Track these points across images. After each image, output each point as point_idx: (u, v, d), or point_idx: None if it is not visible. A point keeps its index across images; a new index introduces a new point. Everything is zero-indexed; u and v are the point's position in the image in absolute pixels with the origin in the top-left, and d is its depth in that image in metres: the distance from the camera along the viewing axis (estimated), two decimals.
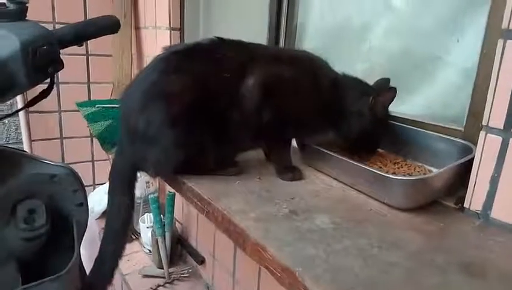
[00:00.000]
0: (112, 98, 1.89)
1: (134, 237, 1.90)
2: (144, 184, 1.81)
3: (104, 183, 2.09)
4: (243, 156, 0.86)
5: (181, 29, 1.70)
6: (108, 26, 0.93)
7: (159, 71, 0.76)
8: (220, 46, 0.81)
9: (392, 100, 0.80)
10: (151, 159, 0.75)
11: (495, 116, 0.63)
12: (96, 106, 1.28)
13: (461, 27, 0.81)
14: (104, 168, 2.11)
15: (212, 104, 0.75)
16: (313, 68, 0.84)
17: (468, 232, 0.63)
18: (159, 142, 0.73)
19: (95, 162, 2.10)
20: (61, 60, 0.83)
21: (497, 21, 0.68)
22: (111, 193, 0.81)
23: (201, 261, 1.59)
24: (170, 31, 1.68)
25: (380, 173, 0.68)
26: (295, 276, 0.50)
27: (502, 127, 0.63)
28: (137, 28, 1.92)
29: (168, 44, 1.70)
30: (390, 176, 0.68)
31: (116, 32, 0.95)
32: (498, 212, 0.64)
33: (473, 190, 0.67)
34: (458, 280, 0.50)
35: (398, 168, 0.80)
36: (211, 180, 0.77)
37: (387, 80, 0.83)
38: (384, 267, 0.52)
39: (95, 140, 2.08)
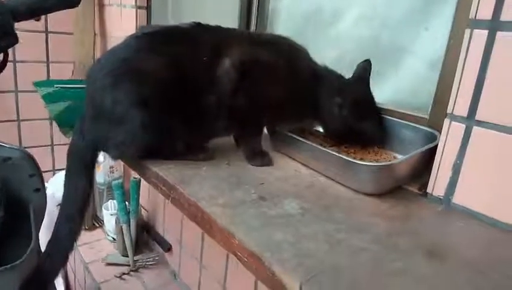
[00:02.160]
0: (72, 78, 1.79)
1: (97, 225, 1.84)
2: (108, 169, 1.75)
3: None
4: (212, 141, 0.84)
5: (148, 8, 1.63)
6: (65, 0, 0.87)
7: (132, 49, 0.73)
8: (198, 31, 0.78)
9: (362, 98, 0.81)
10: (114, 140, 0.72)
11: (459, 105, 0.65)
12: (55, 85, 1.20)
13: (430, 15, 0.82)
14: (64, 153, 2.01)
15: (186, 87, 0.72)
16: (292, 55, 0.83)
17: (431, 217, 0.65)
18: (125, 123, 0.70)
19: (55, 146, 2.00)
20: (15, 34, 0.77)
21: (465, 10, 0.68)
22: (68, 174, 0.77)
23: (168, 248, 1.57)
24: (136, 10, 1.61)
25: (348, 159, 0.69)
26: (262, 261, 0.49)
27: (465, 115, 0.64)
28: (100, 5, 1.82)
29: (134, 23, 1.63)
30: (358, 162, 0.69)
31: (76, 6, 0.90)
32: (460, 198, 0.66)
33: (436, 176, 0.69)
34: (420, 264, 0.51)
35: (366, 154, 0.81)
36: (177, 165, 0.74)
37: (368, 62, 0.83)
38: (350, 251, 0.52)
39: (55, 123, 1.98)
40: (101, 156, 1.74)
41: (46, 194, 0.93)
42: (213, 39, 0.78)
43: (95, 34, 1.82)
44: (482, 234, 0.60)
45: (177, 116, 0.73)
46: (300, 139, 0.79)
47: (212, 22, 0.82)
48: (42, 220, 0.97)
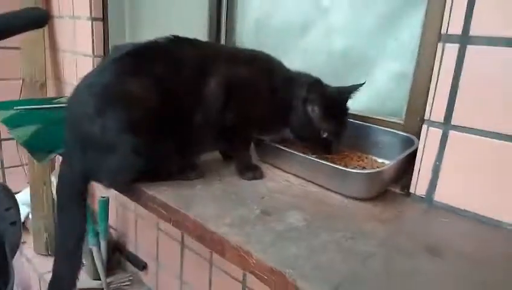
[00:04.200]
0: (25, 98, 1.68)
1: None
2: None
3: (18, 192, 1.86)
4: (200, 157, 0.84)
5: (104, 20, 1.57)
6: (35, 19, 0.83)
7: (114, 73, 0.70)
8: (178, 45, 0.78)
9: (331, 99, 0.81)
10: (106, 168, 0.69)
11: (436, 111, 0.71)
12: (15, 107, 1.12)
13: (399, 27, 0.89)
14: (16, 175, 1.88)
15: (175, 107, 0.72)
16: (270, 69, 0.85)
17: (418, 216, 0.70)
18: (116, 150, 0.67)
19: (6, 169, 1.85)
20: None
21: (433, 24, 0.75)
22: (60, 208, 0.73)
23: (143, 266, 1.52)
24: (92, 22, 1.54)
25: (340, 167, 0.73)
26: (285, 277, 0.51)
27: (442, 121, 0.71)
28: (49, 17, 1.72)
29: (90, 36, 1.56)
30: (350, 170, 0.73)
31: (45, 26, 0.86)
32: (441, 196, 0.72)
33: (418, 177, 0.75)
34: (426, 262, 0.55)
35: (349, 160, 0.86)
36: (172, 186, 0.74)
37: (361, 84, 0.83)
38: (362, 258, 0.55)
39: (4, 144, 1.83)
40: (53, 178, 1.64)
41: (21, 226, 0.87)
42: (196, 56, 0.78)
43: (45, 48, 1.71)
44: (465, 227, 0.66)
45: (168, 136, 0.72)
46: (289, 150, 0.82)
47: (178, 34, 0.81)
48: (15, 253, 0.91)
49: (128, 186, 0.74)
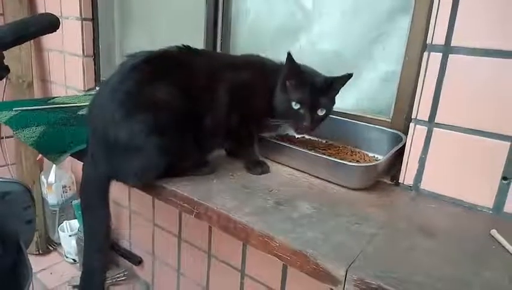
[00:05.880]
0: (11, 98, 1.66)
1: (51, 248, 1.74)
2: (61, 190, 1.66)
3: None
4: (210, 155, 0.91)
5: (94, 20, 1.58)
6: (48, 24, 0.86)
7: (135, 80, 0.75)
8: (188, 54, 0.85)
9: (294, 74, 0.85)
10: (132, 168, 0.75)
11: (422, 112, 0.82)
12: (14, 109, 1.14)
13: (386, 37, 0.99)
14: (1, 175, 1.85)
15: (191, 111, 0.78)
16: (264, 70, 0.93)
17: (409, 202, 0.81)
18: (143, 151, 0.73)
19: None
20: (7, 66, 0.75)
21: (417, 35, 0.86)
22: (87, 207, 0.78)
23: (138, 261, 1.57)
24: (82, 22, 1.55)
25: (340, 161, 0.82)
26: (307, 257, 0.59)
27: (427, 119, 0.81)
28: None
29: (80, 36, 1.57)
30: (350, 163, 0.82)
31: (56, 30, 0.89)
32: (426, 185, 0.83)
33: (406, 169, 0.86)
34: (420, 239, 0.66)
35: (344, 154, 0.95)
36: (190, 181, 0.80)
37: (349, 75, 0.87)
38: (367, 238, 0.64)
39: None
40: (52, 177, 1.65)
41: (35, 224, 0.90)
42: (206, 64, 0.85)
43: (30, 47, 1.70)
44: (448, 210, 0.78)
45: (186, 137, 0.79)
46: (292, 146, 0.90)
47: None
48: (27, 249, 0.94)
49: (150, 183, 0.80)
